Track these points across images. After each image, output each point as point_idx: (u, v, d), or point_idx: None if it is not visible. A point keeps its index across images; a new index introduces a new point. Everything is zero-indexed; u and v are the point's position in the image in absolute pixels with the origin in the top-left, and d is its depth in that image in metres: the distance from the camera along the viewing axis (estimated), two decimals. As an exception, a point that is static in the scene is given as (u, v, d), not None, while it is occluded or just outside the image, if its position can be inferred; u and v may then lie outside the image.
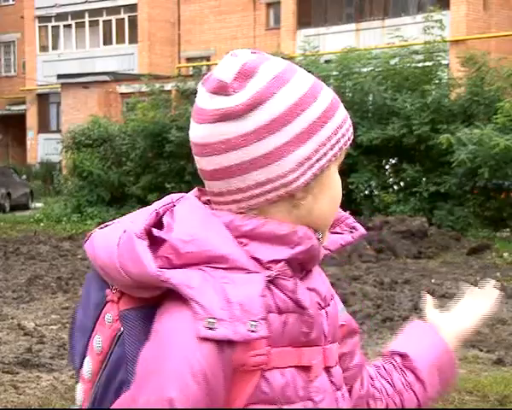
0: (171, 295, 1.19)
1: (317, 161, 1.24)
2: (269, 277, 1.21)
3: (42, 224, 19.99)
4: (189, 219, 1.24)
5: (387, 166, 18.14)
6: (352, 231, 1.41)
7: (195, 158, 1.27)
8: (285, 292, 1.23)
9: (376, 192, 17.61)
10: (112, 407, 1.21)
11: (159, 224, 1.25)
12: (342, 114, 1.28)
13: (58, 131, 32.09)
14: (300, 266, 1.27)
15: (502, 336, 7.73)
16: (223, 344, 1.16)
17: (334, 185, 1.30)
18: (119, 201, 20.96)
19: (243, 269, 1.20)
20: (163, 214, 1.27)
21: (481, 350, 7.22)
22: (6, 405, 5.65)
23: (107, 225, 1.32)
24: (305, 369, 1.25)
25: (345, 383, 1.38)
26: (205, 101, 1.24)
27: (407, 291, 10.01)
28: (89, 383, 1.29)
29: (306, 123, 1.23)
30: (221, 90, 1.22)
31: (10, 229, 18.77)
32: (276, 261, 1.22)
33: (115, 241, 1.24)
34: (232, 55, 1.25)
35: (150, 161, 20.44)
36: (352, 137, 1.31)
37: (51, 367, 6.61)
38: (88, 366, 1.29)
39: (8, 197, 26.10)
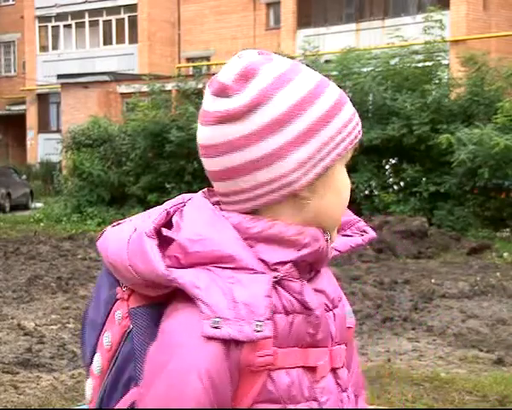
0: (179, 295, 1.20)
1: (321, 160, 1.23)
2: (275, 278, 1.22)
3: (42, 224, 19.99)
4: (197, 219, 1.25)
5: (387, 166, 18.14)
6: (362, 234, 1.41)
7: (202, 159, 1.28)
8: (292, 293, 1.23)
9: (376, 192, 17.60)
10: (119, 403, 1.24)
11: (169, 223, 1.27)
12: (348, 113, 1.27)
13: (58, 131, 32.06)
14: (309, 267, 1.27)
15: (502, 336, 7.73)
16: (229, 344, 1.17)
17: (340, 185, 1.28)
18: (119, 201, 20.95)
19: (250, 269, 1.21)
20: (173, 214, 1.28)
21: (481, 350, 7.22)
22: (6, 405, 5.64)
23: (119, 224, 1.33)
24: (311, 370, 1.26)
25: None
26: (208, 103, 1.25)
27: (407, 291, 10.00)
28: (98, 379, 1.31)
29: (308, 122, 1.22)
30: (222, 92, 1.23)
31: (10, 229, 18.76)
32: (283, 263, 1.23)
33: (126, 239, 1.25)
34: (239, 56, 1.26)
35: (150, 161, 20.42)
36: (359, 135, 1.29)
37: (51, 367, 6.61)
38: (97, 362, 1.31)
39: (8, 197, 26.09)
